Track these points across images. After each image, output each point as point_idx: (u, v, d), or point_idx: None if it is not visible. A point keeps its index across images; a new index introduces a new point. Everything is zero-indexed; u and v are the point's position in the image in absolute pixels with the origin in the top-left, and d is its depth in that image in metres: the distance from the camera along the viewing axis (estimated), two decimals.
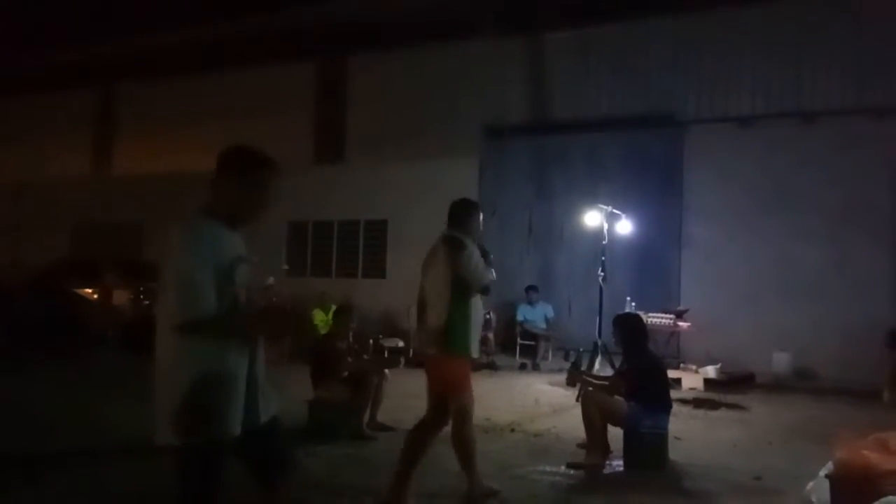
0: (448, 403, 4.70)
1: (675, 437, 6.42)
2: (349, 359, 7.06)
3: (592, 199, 10.79)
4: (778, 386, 10.62)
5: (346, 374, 6.84)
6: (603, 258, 10.15)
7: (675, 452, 6.14)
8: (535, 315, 12.56)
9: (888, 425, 4.87)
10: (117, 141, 19.56)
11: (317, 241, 16.31)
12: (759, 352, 11.21)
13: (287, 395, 5.89)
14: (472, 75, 14.50)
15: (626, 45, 13.50)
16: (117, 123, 19.55)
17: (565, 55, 14.03)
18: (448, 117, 14.55)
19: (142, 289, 13.71)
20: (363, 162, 15.68)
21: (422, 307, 4.94)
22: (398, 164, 14.97)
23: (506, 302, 12.87)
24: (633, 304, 10.78)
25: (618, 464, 5.86)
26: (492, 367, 11.62)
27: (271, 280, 13.21)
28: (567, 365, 9.95)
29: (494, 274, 4.84)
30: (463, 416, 4.75)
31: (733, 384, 10.40)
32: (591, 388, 6.29)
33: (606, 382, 6.35)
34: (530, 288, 12.66)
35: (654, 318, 10.76)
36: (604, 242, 10.21)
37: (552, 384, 10.04)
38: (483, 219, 4.98)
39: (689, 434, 7.07)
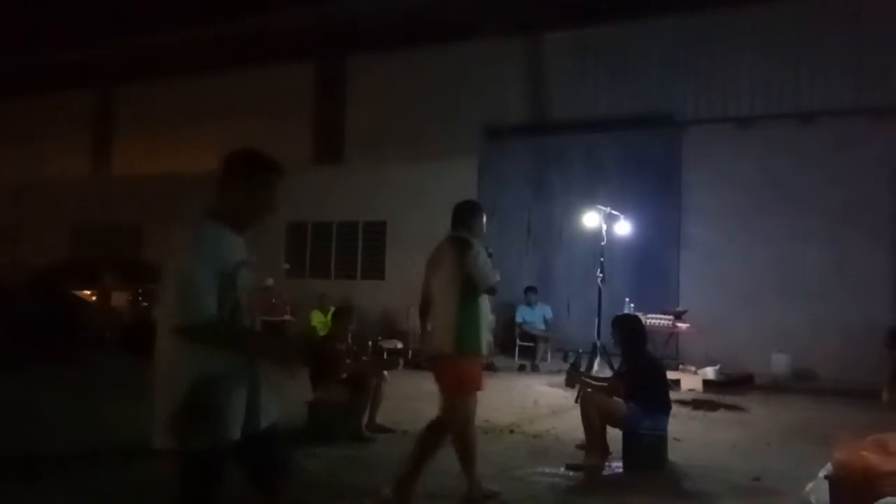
0: (465, 403, 4.73)
1: (674, 439, 6.42)
2: (348, 360, 7.06)
3: (591, 200, 10.80)
4: (777, 387, 10.62)
5: (344, 375, 6.84)
6: (602, 259, 10.15)
7: (674, 453, 6.14)
8: (533, 316, 12.56)
9: (887, 426, 4.87)
10: (117, 142, 19.57)
11: (316, 242, 16.32)
12: (758, 353, 11.21)
13: (286, 396, 5.89)
14: (471, 76, 14.52)
15: (625, 46, 13.51)
16: (117, 124, 19.55)
17: (564, 56, 14.04)
18: (447, 118, 14.57)
19: (140, 290, 13.70)
20: (362, 163, 15.68)
21: (425, 307, 4.96)
22: (397, 165, 14.98)
23: (505, 303, 12.85)
24: (632, 305, 10.78)
25: (617, 465, 5.86)
26: (491, 368, 11.61)
27: (270, 281, 13.23)
28: (566, 366, 9.95)
29: (498, 275, 4.86)
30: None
31: (732, 385, 10.40)
32: (590, 390, 6.28)
33: (605, 384, 6.35)
34: (529, 289, 12.66)
35: (653, 319, 10.76)
36: (602, 243, 10.21)
37: (551, 385, 10.04)
38: (486, 220, 5.02)
39: (688, 435, 7.07)
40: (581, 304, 12.62)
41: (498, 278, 4.82)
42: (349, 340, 7.26)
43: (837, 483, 4.11)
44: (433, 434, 4.75)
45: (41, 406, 7.71)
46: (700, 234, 12.43)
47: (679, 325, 11.09)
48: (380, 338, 12.36)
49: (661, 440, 5.91)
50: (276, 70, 16.49)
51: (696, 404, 8.98)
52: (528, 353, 12.24)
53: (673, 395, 6.59)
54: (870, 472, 3.95)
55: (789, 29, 12.14)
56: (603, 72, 13.63)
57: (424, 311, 5.00)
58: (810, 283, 11.47)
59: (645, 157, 13.07)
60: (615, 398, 5.95)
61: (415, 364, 11.37)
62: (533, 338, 12.30)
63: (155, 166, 17.99)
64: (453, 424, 4.73)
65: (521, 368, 11.91)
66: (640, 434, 5.78)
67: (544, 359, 12.22)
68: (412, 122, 15.02)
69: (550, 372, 11.38)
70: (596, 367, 9.53)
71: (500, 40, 14.09)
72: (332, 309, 8.86)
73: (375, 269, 15.58)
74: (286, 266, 15.16)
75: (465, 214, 4.93)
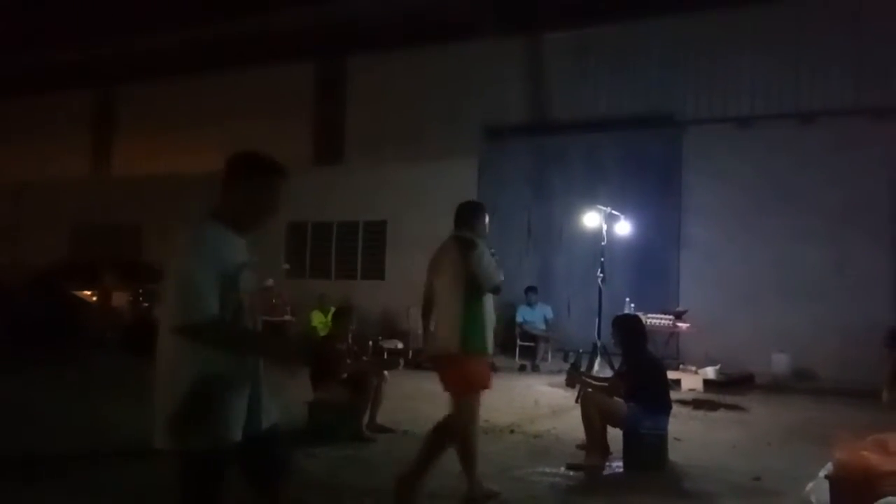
0: (475, 402, 4.76)
1: (675, 438, 6.42)
2: (348, 360, 7.06)
3: (591, 200, 10.79)
4: (777, 387, 10.62)
5: (345, 375, 6.84)
6: (602, 259, 10.15)
7: (675, 453, 6.14)
8: (534, 316, 12.56)
9: (887, 426, 4.88)
10: (117, 142, 19.56)
11: (316, 242, 16.32)
12: (758, 352, 11.21)
13: (287, 396, 5.89)
14: (471, 76, 14.52)
15: (625, 46, 13.51)
16: (117, 124, 19.55)
17: (564, 56, 14.04)
18: (447, 118, 14.57)
19: (141, 290, 13.71)
20: (362, 163, 15.68)
21: (428, 308, 4.98)
22: (397, 165, 14.98)
23: (505, 303, 12.85)
24: (633, 304, 10.77)
25: (617, 465, 5.86)
26: (491, 368, 11.60)
27: (270, 282, 13.23)
28: (566, 366, 9.93)
29: (502, 274, 4.87)
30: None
31: (732, 385, 10.40)
32: (590, 390, 6.28)
33: (606, 384, 6.35)
34: (529, 289, 12.66)
35: (654, 319, 10.75)
36: (603, 243, 10.21)
37: (552, 385, 10.04)
38: (488, 221, 5.05)
39: (689, 435, 7.07)
40: (581, 303, 12.61)
41: (502, 278, 4.84)
42: (349, 340, 7.26)
43: (838, 483, 4.11)
44: (441, 435, 4.76)
45: (41, 406, 7.71)
46: (700, 234, 12.43)
47: (679, 324, 11.08)
48: (380, 338, 12.37)
49: (661, 440, 5.92)
50: (276, 70, 16.49)
51: (697, 404, 8.98)
52: (529, 353, 12.24)
53: (673, 395, 6.59)
54: (870, 472, 3.95)
55: (789, 29, 12.14)
56: (603, 72, 13.63)
57: (427, 312, 5.00)
58: (810, 283, 11.47)
59: (645, 157, 13.07)
60: (616, 398, 5.95)
61: (415, 364, 11.38)
62: (533, 338, 12.30)
63: (155, 166, 17.99)
64: (462, 424, 4.75)
65: (522, 368, 11.91)
66: (641, 434, 5.79)
67: (545, 359, 12.22)
68: (412, 122, 15.03)
69: (551, 372, 11.37)
70: (596, 367, 9.53)
71: (500, 40, 14.09)
72: (333, 309, 8.85)
73: (375, 270, 15.58)
74: (286, 266, 15.17)
75: (468, 215, 4.96)
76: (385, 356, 10.84)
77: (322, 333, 11.25)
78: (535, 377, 11.22)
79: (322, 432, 6.52)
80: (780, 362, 11.17)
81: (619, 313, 7.76)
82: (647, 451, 5.82)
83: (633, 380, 5.93)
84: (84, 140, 19.82)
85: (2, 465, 5.33)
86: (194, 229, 2.79)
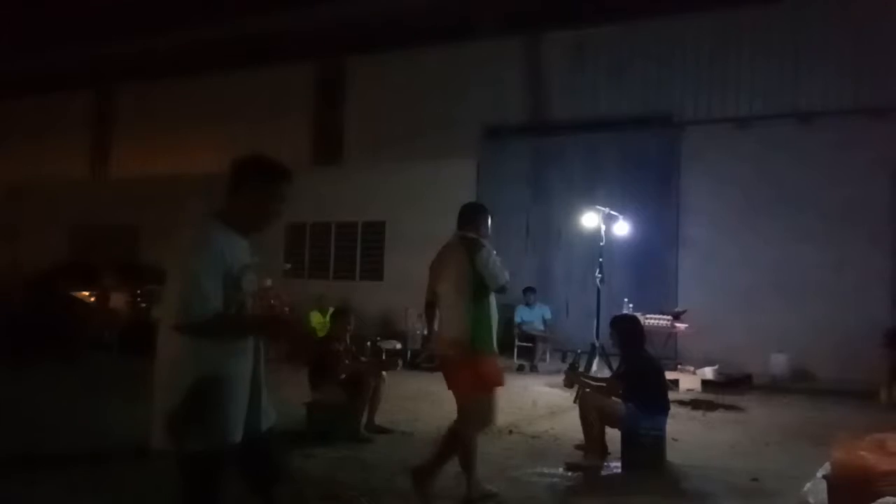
0: (491, 400, 4.79)
1: (673, 439, 6.43)
2: (347, 361, 7.05)
3: (590, 201, 10.81)
4: (775, 387, 10.63)
5: (343, 376, 6.83)
6: (600, 259, 10.16)
7: (673, 454, 6.15)
8: (532, 316, 12.55)
9: (886, 426, 4.88)
10: (115, 143, 19.56)
11: (315, 242, 16.31)
12: (756, 353, 11.22)
13: (285, 397, 5.90)
14: (470, 77, 14.53)
15: (623, 47, 13.52)
16: (115, 125, 19.55)
17: (563, 56, 14.06)
18: (446, 119, 14.57)
19: (139, 292, 13.70)
20: (361, 163, 15.69)
21: (431, 308, 5.01)
22: (396, 166, 14.98)
23: (503, 303, 12.82)
24: (631, 305, 10.78)
25: (615, 465, 5.87)
26: None
27: (269, 282, 13.21)
28: (565, 366, 9.94)
29: (508, 274, 4.90)
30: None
31: (731, 385, 10.41)
32: (588, 390, 6.28)
33: (604, 384, 6.35)
34: (528, 289, 12.65)
35: (652, 320, 10.74)
36: (601, 244, 10.22)
37: (550, 386, 10.04)
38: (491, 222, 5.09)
39: (687, 435, 7.07)
40: (580, 304, 12.63)
41: (508, 278, 4.87)
42: (348, 341, 7.25)
43: (836, 483, 4.11)
44: (458, 435, 4.81)
45: (40, 406, 7.70)
46: (699, 235, 12.44)
47: (678, 325, 11.08)
48: (378, 338, 12.34)
49: (659, 440, 5.92)
50: (276, 71, 16.51)
51: (695, 404, 8.98)
52: (527, 354, 12.23)
53: (671, 396, 6.59)
54: (868, 472, 3.95)
55: (788, 29, 12.16)
56: (601, 72, 13.64)
57: (431, 312, 5.03)
58: (809, 283, 11.48)
59: (644, 158, 13.07)
60: (614, 398, 5.96)
61: (413, 365, 11.39)
62: (532, 338, 12.30)
63: (154, 167, 18.00)
64: (484, 419, 4.83)
65: (520, 369, 11.91)
66: (639, 434, 5.79)
67: (543, 359, 12.23)
68: (411, 122, 15.03)
69: (549, 372, 11.37)
70: (595, 367, 9.54)
71: (499, 41, 14.10)
72: (331, 310, 8.85)
73: (374, 270, 15.58)
74: (288, 266, 15.17)
75: (471, 215, 5.01)
76: (383, 357, 10.81)
77: (320, 334, 11.24)
78: (533, 377, 11.22)
79: (320, 433, 6.51)
80: (779, 363, 11.17)
81: (618, 314, 7.78)
82: (646, 451, 5.82)
83: (632, 380, 5.94)
84: (83, 141, 19.83)
85: (2, 465, 5.32)
86: (199, 229, 2.81)
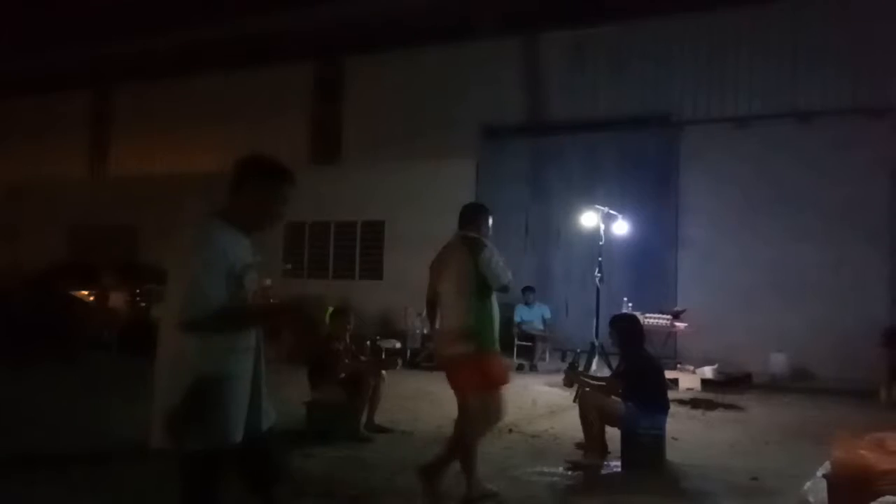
0: (498, 398, 4.81)
1: (673, 438, 6.43)
2: (346, 360, 7.05)
3: (589, 200, 10.79)
4: (775, 386, 10.64)
5: (343, 375, 6.83)
6: (600, 259, 10.15)
7: (673, 453, 6.15)
8: (532, 316, 12.56)
9: (885, 425, 4.88)
10: (114, 143, 19.55)
11: (314, 242, 16.31)
12: (756, 352, 11.22)
13: (285, 397, 5.90)
14: (468, 76, 14.53)
15: (622, 46, 13.52)
16: (114, 125, 19.53)
17: (562, 56, 14.06)
18: (445, 118, 14.57)
19: (138, 291, 13.70)
20: (360, 163, 15.68)
21: (432, 307, 5.04)
22: (395, 165, 14.98)
23: (502, 303, 12.81)
24: (630, 304, 10.78)
25: (615, 464, 5.87)
26: None
27: (268, 281, 13.20)
28: (564, 366, 9.95)
29: (511, 274, 4.93)
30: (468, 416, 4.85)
31: (730, 384, 10.42)
32: (588, 389, 6.29)
33: (604, 383, 6.35)
34: (527, 289, 12.65)
35: (651, 319, 10.74)
36: (600, 243, 10.21)
37: (550, 385, 10.04)
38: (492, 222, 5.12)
39: (687, 434, 7.08)
40: (579, 303, 12.62)
41: (511, 277, 4.89)
42: (347, 340, 7.25)
43: (835, 482, 4.11)
44: (469, 428, 4.82)
45: (40, 406, 7.70)
46: (698, 234, 12.44)
47: (677, 324, 11.09)
48: (378, 338, 12.35)
49: (659, 439, 5.92)
50: (274, 70, 16.51)
51: (695, 404, 8.99)
52: (527, 353, 12.24)
53: (671, 395, 6.59)
54: (868, 471, 3.95)
55: (786, 29, 12.16)
56: (600, 72, 13.64)
57: (433, 312, 5.06)
58: (808, 282, 11.49)
59: (643, 157, 13.08)
60: (613, 398, 5.96)
61: (413, 364, 11.40)
62: (531, 337, 12.31)
63: (153, 167, 18.00)
64: (494, 416, 4.85)
65: (520, 368, 11.91)
66: (639, 433, 5.79)
67: (543, 358, 12.23)
68: (410, 122, 15.03)
69: (549, 372, 11.38)
70: (594, 366, 9.54)
71: (499, 41, 14.11)
72: (331, 309, 8.83)
73: (373, 269, 15.57)
74: (288, 266, 15.16)
75: (473, 215, 5.04)
76: (383, 356, 10.83)
77: None
78: (532, 377, 11.22)
79: (320, 432, 6.51)
80: (778, 362, 11.18)
81: (617, 313, 7.77)
82: (645, 450, 5.82)
83: (631, 379, 5.94)
84: (82, 141, 19.81)
85: (2, 465, 5.32)
86: (202, 227, 2.82)
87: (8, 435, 6.20)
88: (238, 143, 15.81)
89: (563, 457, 6.08)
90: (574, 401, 7.19)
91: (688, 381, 10.46)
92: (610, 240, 10.66)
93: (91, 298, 13.91)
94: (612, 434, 5.93)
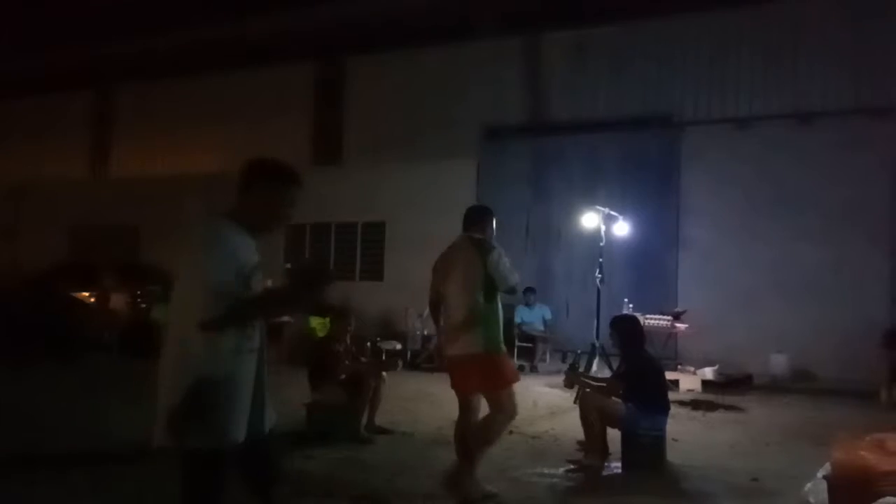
0: (510, 396, 4.83)
1: (673, 439, 6.42)
2: (346, 362, 7.05)
3: (590, 201, 10.79)
4: (776, 387, 10.64)
5: (343, 377, 6.83)
6: (600, 260, 10.14)
7: (673, 454, 6.14)
8: (532, 317, 12.55)
9: (886, 426, 4.88)
10: (115, 143, 19.55)
11: (315, 243, 16.30)
12: (756, 353, 11.22)
13: (285, 398, 5.89)
14: (469, 77, 14.53)
15: (623, 47, 13.52)
16: (115, 125, 19.54)
17: (562, 57, 14.06)
18: (446, 119, 14.57)
19: (139, 292, 13.70)
20: (361, 164, 15.68)
21: (436, 308, 5.05)
22: (396, 166, 14.98)
23: (503, 304, 12.83)
24: (631, 305, 10.76)
25: (616, 465, 5.86)
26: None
27: (269, 282, 13.20)
28: (565, 367, 9.94)
29: (518, 276, 4.97)
30: (468, 416, 4.89)
31: (731, 385, 10.41)
32: (588, 390, 6.28)
33: (604, 384, 6.35)
34: (528, 290, 12.62)
35: (652, 320, 10.74)
36: (601, 244, 10.20)
37: (550, 386, 10.04)
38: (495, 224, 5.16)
39: (687, 435, 7.07)
40: (580, 304, 12.61)
41: (518, 279, 4.94)
42: (348, 342, 7.24)
43: (836, 483, 4.11)
44: (487, 427, 4.84)
45: (40, 407, 7.69)
46: (699, 235, 12.44)
47: (678, 325, 11.08)
48: (378, 339, 12.34)
49: (659, 440, 5.92)
50: (275, 71, 16.51)
51: (695, 405, 8.98)
52: (527, 354, 12.23)
53: (672, 396, 6.59)
54: (868, 472, 3.95)
55: (787, 29, 12.16)
56: (601, 72, 13.65)
57: (437, 313, 5.07)
58: (809, 283, 11.48)
59: (644, 158, 13.07)
60: (614, 399, 5.95)
61: (414, 365, 11.40)
62: (532, 338, 12.30)
63: (153, 167, 18.01)
64: (510, 413, 4.86)
65: (520, 369, 11.86)
66: (639, 434, 5.79)
67: (543, 359, 12.23)
68: (411, 122, 15.03)
69: (549, 373, 11.38)
70: (595, 367, 9.52)
71: (499, 41, 14.11)
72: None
73: (374, 270, 15.57)
74: (287, 266, 15.14)
75: (477, 217, 5.11)
76: (383, 357, 10.83)
77: (320, 334, 11.25)
78: (533, 378, 11.21)
79: (320, 434, 6.51)
80: (779, 363, 11.18)
81: (618, 314, 7.77)
82: (646, 451, 5.81)
83: (632, 380, 5.93)
84: (83, 141, 19.81)
85: (2, 465, 5.32)
86: (212, 227, 2.85)
87: (8, 435, 6.19)
88: (239, 143, 15.87)
89: (564, 458, 6.07)
90: (575, 402, 7.19)
91: (688, 382, 10.45)
92: (611, 240, 10.65)
93: (92, 299, 13.91)
94: (613, 435, 5.93)
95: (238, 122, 16.47)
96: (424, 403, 8.47)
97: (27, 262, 16.36)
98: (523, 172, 14.16)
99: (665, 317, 11.07)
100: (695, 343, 11.43)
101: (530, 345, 12.26)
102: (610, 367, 8.92)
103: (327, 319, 9.03)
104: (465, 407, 4.94)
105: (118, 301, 13.80)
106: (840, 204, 11.38)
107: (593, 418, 5.83)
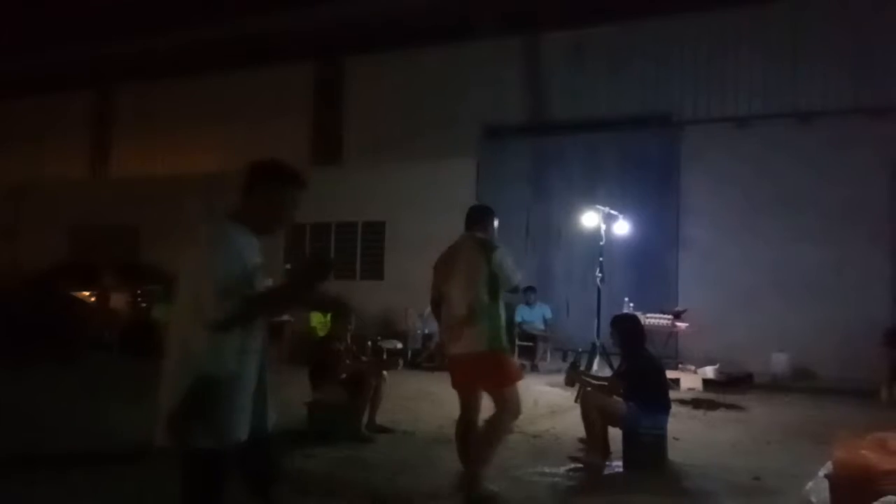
0: (514, 393, 4.88)
1: (674, 438, 6.42)
2: (347, 361, 7.05)
3: (590, 200, 10.78)
4: (776, 386, 10.64)
5: (344, 376, 6.83)
6: (601, 259, 10.14)
7: (674, 453, 6.14)
8: (533, 316, 12.55)
9: (887, 425, 4.87)
10: (115, 143, 19.55)
11: (315, 243, 16.29)
12: (757, 352, 11.22)
13: (286, 397, 5.89)
14: (469, 76, 14.52)
15: (623, 46, 13.52)
16: (115, 126, 19.54)
17: (562, 56, 14.05)
18: (445, 118, 14.57)
19: (139, 292, 13.70)
20: (361, 163, 15.68)
21: (437, 307, 5.07)
22: (396, 166, 14.97)
23: (503, 303, 12.83)
24: (631, 304, 10.78)
25: (617, 464, 5.86)
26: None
27: (269, 282, 13.20)
28: (565, 366, 9.93)
29: (521, 275, 5.03)
30: (470, 415, 4.91)
31: (732, 384, 10.41)
32: (589, 389, 6.28)
33: (605, 383, 6.34)
34: (528, 289, 12.63)
35: (653, 319, 10.74)
36: (601, 243, 10.20)
37: (551, 385, 10.03)
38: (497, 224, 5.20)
39: (688, 434, 7.07)
40: (580, 303, 12.60)
41: (521, 279, 4.98)
42: (348, 341, 7.24)
43: (837, 482, 4.11)
44: (495, 426, 4.85)
45: (41, 407, 7.69)
46: (699, 234, 12.44)
47: (678, 324, 11.08)
48: (379, 338, 12.35)
49: (660, 439, 5.91)
50: (275, 71, 16.51)
51: (696, 403, 8.98)
52: (528, 353, 12.22)
53: (672, 395, 6.59)
54: (870, 471, 3.95)
55: (787, 29, 12.16)
56: (601, 72, 13.64)
57: (438, 310, 5.09)
58: (809, 282, 11.48)
59: (643, 158, 13.07)
60: (615, 397, 5.95)
61: (414, 364, 11.40)
62: (532, 337, 12.30)
63: (154, 168, 18.01)
64: (515, 410, 4.90)
65: (521, 368, 11.88)
66: (640, 433, 5.78)
67: (544, 358, 12.23)
68: (411, 122, 15.03)
69: (550, 372, 11.38)
70: (595, 366, 9.52)
71: (498, 41, 14.10)
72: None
73: (374, 270, 15.57)
74: (287, 266, 15.14)
75: (480, 217, 5.14)
76: (384, 356, 10.83)
77: (321, 334, 11.25)
78: (534, 377, 11.19)
79: (321, 433, 6.51)
80: (780, 362, 11.17)
81: (618, 313, 7.76)
82: (647, 450, 5.81)
83: (633, 379, 5.93)
84: (83, 141, 19.81)
85: (2, 465, 5.32)
86: (218, 228, 2.87)
87: (8, 435, 6.19)
88: (238, 143, 15.88)
89: (565, 457, 6.08)
90: (575, 401, 7.19)
91: (689, 380, 10.45)
92: (611, 240, 10.65)
93: (92, 299, 13.92)
94: (614, 434, 5.92)
95: (238, 122, 16.47)
96: (425, 402, 8.47)
97: (27, 262, 16.36)
98: (523, 172, 14.16)
99: (666, 316, 11.07)
100: (695, 342, 11.43)
101: (531, 344, 12.26)
102: (611, 367, 8.92)
103: (328, 318, 9.04)
104: (467, 406, 4.93)
105: (118, 301, 13.80)
106: (840, 203, 11.38)
107: (594, 417, 5.83)
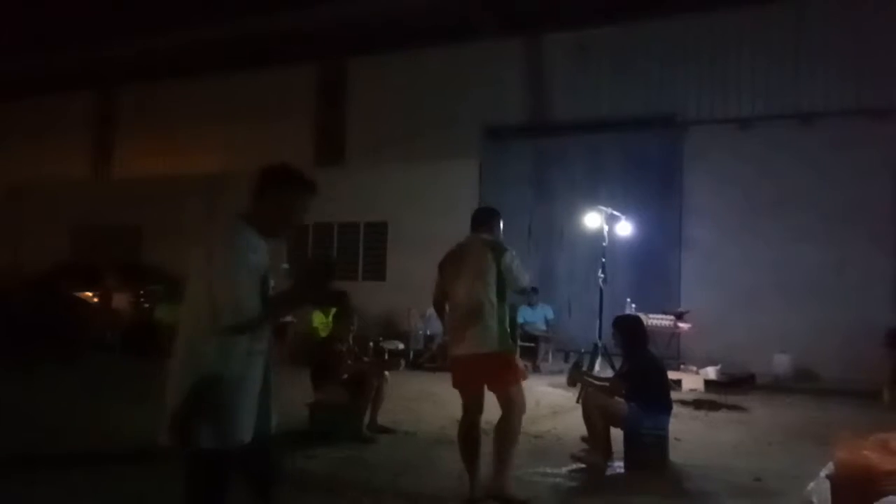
0: (520, 392, 4.89)
1: (676, 439, 6.42)
2: (349, 361, 7.05)
3: (592, 201, 10.78)
4: (778, 387, 10.62)
5: (345, 376, 6.83)
6: (603, 260, 10.13)
7: (676, 453, 6.14)
8: (535, 317, 12.55)
9: (889, 425, 4.86)
10: (117, 144, 19.57)
11: (317, 243, 16.30)
12: (759, 353, 11.20)
13: (288, 398, 5.89)
14: (471, 77, 14.53)
15: (625, 47, 13.52)
16: (117, 126, 19.56)
17: (565, 57, 14.06)
18: (447, 119, 14.57)
19: (142, 292, 13.71)
20: (363, 164, 15.69)
21: (441, 307, 5.07)
22: (398, 166, 14.98)
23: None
24: (634, 305, 10.77)
25: (618, 465, 5.85)
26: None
27: (271, 283, 13.21)
28: (567, 366, 9.93)
29: (529, 277, 5.03)
30: (473, 416, 4.88)
31: (734, 385, 10.40)
32: (591, 389, 6.27)
33: (607, 384, 6.34)
34: (530, 290, 12.63)
35: (655, 320, 10.74)
36: (604, 244, 10.19)
37: (553, 386, 10.03)
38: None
39: (690, 435, 7.06)
40: (582, 304, 12.62)
41: (529, 280, 4.97)
42: (350, 341, 7.24)
43: (839, 483, 4.10)
44: (507, 426, 4.85)
45: (42, 407, 7.70)
46: (701, 235, 12.43)
47: (680, 325, 11.08)
48: (381, 339, 12.36)
49: (662, 440, 5.91)
50: (277, 72, 16.53)
51: (698, 404, 8.97)
52: (530, 354, 12.20)
53: (674, 395, 6.59)
54: (871, 472, 3.94)
55: (789, 29, 12.16)
56: (604, 72, 13.64)
57: (443, 311, 5.09)
58: (811, 283, 11.47)
59: (646, 158, 13.07)
60: (617, 398, 5.94)
61: (416, 365, 11.40)
62: (534, 338, 12.29)
63: (155, 168, 18.02)
64: (521, 408, 4.91)
65: (525, 368, 11.88)
66: (642, 434, 5.78)
67: (546, 359, 12.22)
68: (413, 123, 15.03)
69: (552, 372, 11.37)
70: (597, 367, 9.52)
71: (500, 41, 14.11)
72: (334, 310, 8.84)
73: (376, 270, 15.57)
74: (284, 266, 15.15)
75: (486, 218, 5.14)
76: (386, 357, 10.84)
77: (323, 334, 11.26)
78: (536, 377, 11.16)
79: (323, 433, 6.51)
80: (781, 362, 11.17)
81: (620, 314, 7.76)
82: (648, 451, 5.81)
83: (634, 380, 5.93)
84: (85, 141, 19.84)
85: (2, 466, 5.32)
86: (231, 230, 2.87)
87: (9, 435, 6.20)
88: (240, 144, 15.90)
89: (566, 457, 6.05)
90: (577, 401, 7.19)
91: (691, 381, 10.44)
92: (613, 240, 10.63)
93: (94, 299, 13.92)
94: (616, 434, 5.92)
95: (240, 122, 16.48)
96: (427, 403, 8.47)
97: (29, 262, 16.38)
98: (525, 172, 14.16)
99: (668, 316, 11.07)
100: (697, 343, 11.43)
101: (532, 344, 12.25)
102: (612, 367, 8.91)
103: (330, 319, 9.04)
104: (470, 406, 4.92)
105: (121, 301, 13.81)
106: (842, 204, 11.38)
107: (596, 418, 5.83)
